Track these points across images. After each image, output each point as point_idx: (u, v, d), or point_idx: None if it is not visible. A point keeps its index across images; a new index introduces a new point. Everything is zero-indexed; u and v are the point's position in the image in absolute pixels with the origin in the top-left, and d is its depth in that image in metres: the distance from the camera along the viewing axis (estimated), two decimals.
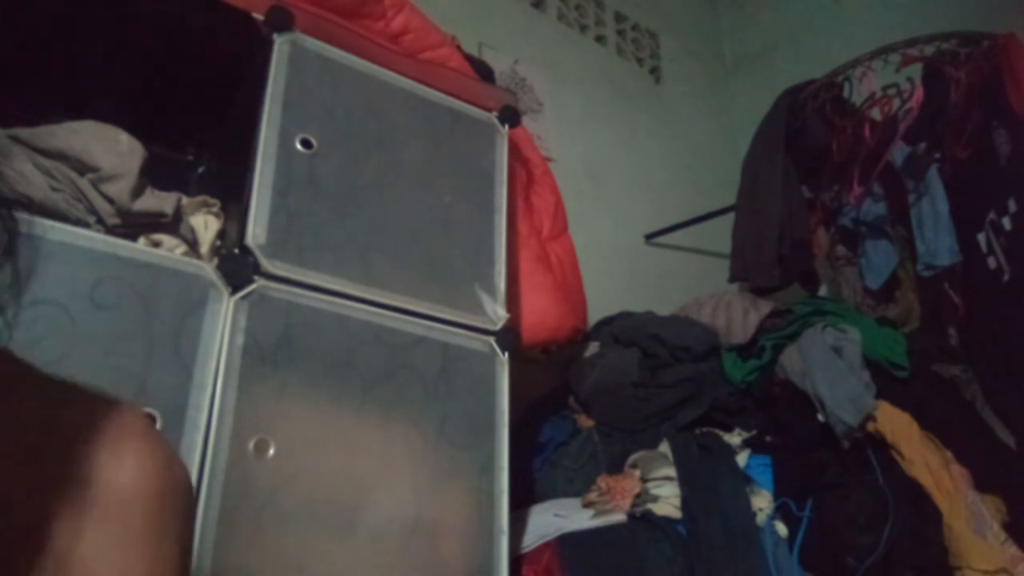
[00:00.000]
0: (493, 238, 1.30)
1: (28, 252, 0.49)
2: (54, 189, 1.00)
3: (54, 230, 0.90)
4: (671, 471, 1.49)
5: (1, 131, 1.03)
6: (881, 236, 2.07)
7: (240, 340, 0.97)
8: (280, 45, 1.15)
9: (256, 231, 1.03)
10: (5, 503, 0.41)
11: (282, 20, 1.15)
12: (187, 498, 0.51)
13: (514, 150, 1.47)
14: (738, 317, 1.75)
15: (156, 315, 0.92)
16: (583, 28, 2.75)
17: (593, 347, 1.85)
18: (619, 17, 2.92)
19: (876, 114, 1.99)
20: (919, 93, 1.80)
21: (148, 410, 0.88)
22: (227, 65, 1.20)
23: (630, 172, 2.70)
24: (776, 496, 1.49)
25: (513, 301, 1.35)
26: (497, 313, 1.24)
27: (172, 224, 1.08)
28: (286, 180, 1.09)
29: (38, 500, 0.42)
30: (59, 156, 1.01)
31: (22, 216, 0.52)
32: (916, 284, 2.05)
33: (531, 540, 1.39)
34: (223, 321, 0.97)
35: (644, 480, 1.50)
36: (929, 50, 1.93)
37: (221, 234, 1.16)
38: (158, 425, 0.88)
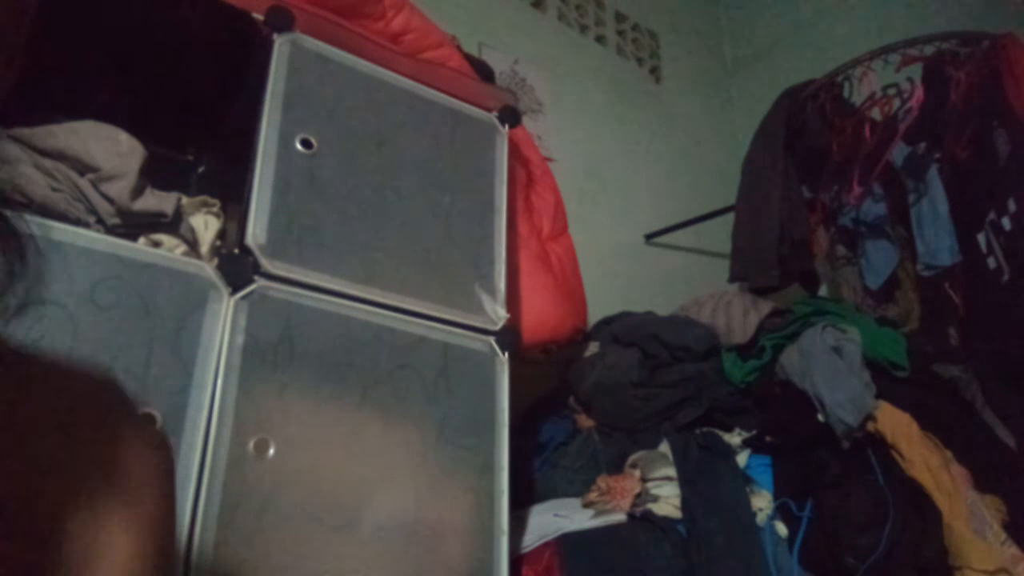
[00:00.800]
0: (493, 238, 1.30)
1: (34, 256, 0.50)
2: (54, 189, 1.00)
3: (54, 230, 0.90)
4: (671, 471, 1.49)
5: (1, 131, 1.03)
6: (881, 236, 2.07)
7: (240, 340, 0.97)
8: (280, 45, 1.15)
9: (256, 231, 1.03)
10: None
11: (282, 20, 1.15)
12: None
13: (514, 150, 1.47)
14: (738, 317, 1.75)
15: (156, 315, 0.92)
16: (583, 28, 2.75)
17: (593, 347, 1.85)
18: (619, 17, 2.92)
19: (876, 114, 1.99)
20: (919, 93, 1.80)
21: (148, 410, 0.88)
22: (227, 65, 1.20)
23: (630, 172, 2.70)
24: (776, 496, 1.49)
25: (513, 301, 1.35)
26: (497, 313, 1.24)
27: (172, 224, 1.08)
28: (286, 180, 1.09)
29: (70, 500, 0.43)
30: (59, 156, 1.01)
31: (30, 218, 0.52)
32: (916, 284, 2.05)
33: (531, 540, 1.39)
34: (223, 321, 0.97)
35: (644, 480, 1.50)
36: (929, 50, 1.93)
37: (221, 234, 1.16)
38: (158, 425, 0.88)
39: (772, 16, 3.17)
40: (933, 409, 1.53)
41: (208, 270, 0.98)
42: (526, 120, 1.81)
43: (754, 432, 1.61)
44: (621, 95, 2.79)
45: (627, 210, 2.63)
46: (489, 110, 1.39)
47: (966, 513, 1.39)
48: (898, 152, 1.98)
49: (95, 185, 1.01)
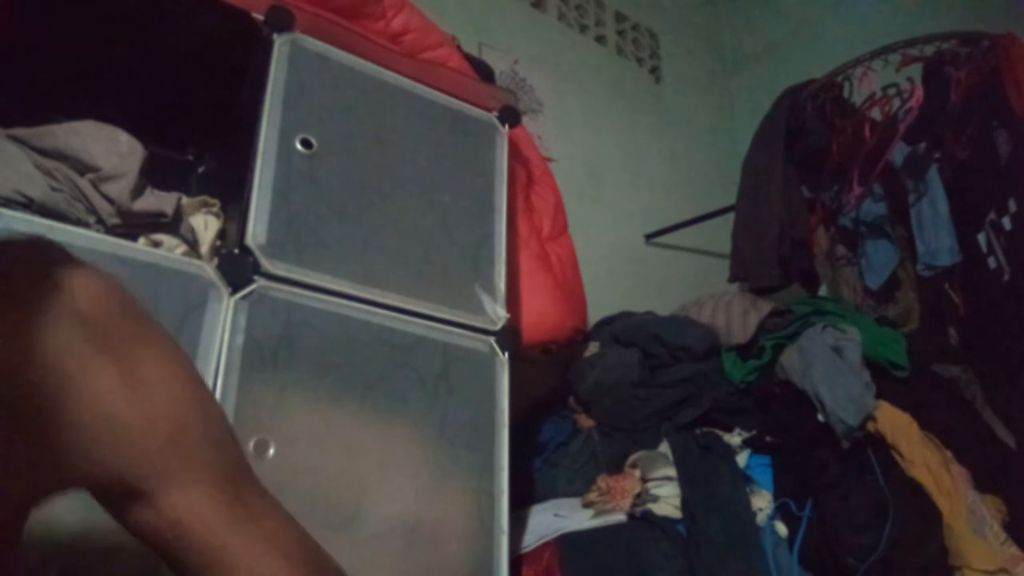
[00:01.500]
0: (493, 238, 1.30)
1: None
2: (54, 189, 1.00)
3: (54, 230, 0.90)
4: (671, 471, 1.49)
5: (1, 131, 1.03)
6: (881, 236, 2.07)
7: (240, 340, 0.97)
8: (280, 45, 1.14)
9: (256, 231, 1.03)
10: None
11: (282, 20, 1.15)
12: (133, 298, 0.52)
13: (514, 150, 1.47)
14: (738, 317, 1.75)
15: (156, 315, 0.92)
16: (583, 28, 2.75)
17: (593, 347, 1.85)
18: (619, 17, 2.92)
19: (876, 114, 1.99)
20: (919, 93, 1.80)
21: None
22: (227, 65, 1.20)
23: (630, 172, 2.70)
24: (776, 496, 1.49)
25: (513, 301, 1.35)
26: (497, 313, 1.24)
27: (172, 224, 1.08)
28: (286, 180, 1.09)
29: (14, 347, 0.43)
30: (59, 156, 1.01)
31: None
32: (916, 284, 2.05)
33: (531, 540, 1.40)
34: (223, 321, 0.97)
35: (644, 480, 1.50)
36: (929, 50, 1.93)
37: (221, 234, 1.16)
38: None
39: (772, 16, 3.17)
40: (933, 409, 1.53)
41: (208, 270, 0.98)
42: (526, 120, 1.81)
43: (754, 432, 1.60)
44: (621, 95, 2.79)
45: (627, 210, 2.63)
46: (489, 110, 1.39)
47: (966, 513, 1.39)
48: (898, 152, 1.98)
49: (95, 185, 1.01)
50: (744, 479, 1.51)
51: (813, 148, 2.08)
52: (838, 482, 1.44)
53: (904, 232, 2.04)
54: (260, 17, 1.14)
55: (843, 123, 2.05)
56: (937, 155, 1.96)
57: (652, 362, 1.73)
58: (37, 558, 0.65)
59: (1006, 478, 1.51)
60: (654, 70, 2.99)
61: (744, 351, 1.72)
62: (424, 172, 1.26)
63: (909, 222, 1.99)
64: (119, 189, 1.01)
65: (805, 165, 2.11)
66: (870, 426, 1.46)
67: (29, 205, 0.97)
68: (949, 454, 1.48)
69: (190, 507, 0.48)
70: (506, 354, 1.23)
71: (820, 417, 1.47)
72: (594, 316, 1.84)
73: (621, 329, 1.82)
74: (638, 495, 1.46)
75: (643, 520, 1.41)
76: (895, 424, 1.45)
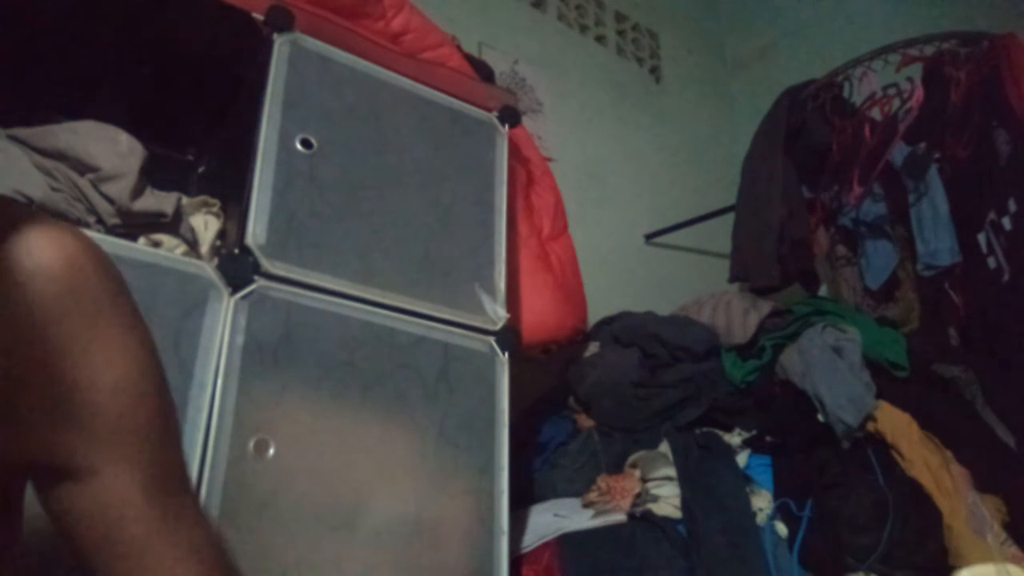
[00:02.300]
0: (493, 238, 1.30)
1: None
2: (54, 189, 1.00)
3: None
4: (671, 471, 1.49)
5: (1, 131, 1.03)
6: (881, 236, 2.07)
7: (240, 340, 0.97)
8: (280, 45, 1.14)
9: (256, 231, 1.03)
10: None
11: (282, 20, 1.15)
12: (108, 263, 0.50)
13: (514, 150, 1.47)
14: (738, 317, 1.75)
15: (156, 315, 0.92)
16: (583, 28, 2.75)
17: (593, 347, 1.85)
18: (619, 17, 2.92)
19: (876, 114, 1.99)
20: (919, 93, 1.80)
21: None
22: (227, 65, 1.20)
23: (630, 172, 2.70)
24: (776, 496, 1.49)
25: (513, 301, 1.35)
26: (497, 313, 1.24)
27: (172, 224, 1.08)
28: (286, 180, 1.09)
29: None
30: (59, 156, 1.01)
31: None
32: (916, 284, 2.05)
33: (531, 540, 1.39)
34: (223, 321, 0.97)
35: (644, 480, 1.50)
36: (929, 50, 1.93)
37: (221, 234, 1.16)
38: None
39: (772, 16, 3.17)
40: (933, 409, 1.53)
41: (208, 270, 0.98)
42: (526, 120, 1.81)
43: (754, 432, 1.60)
44: (621, 95, 2.79)
45: (627, 210, 2.63)
46: (489, 110, 1.39)
47: (966, 513, 1.38)
48: (898, 152, 1.98)
49: (95, 185, 1.01)
50: (744, 479, 1.51)
51: (813, 148, 2.08)
52: (838, 482, 1.44)
53: (904, 232, 2.04)
54: (260, 17, 1.14)
55: (843, 123, 2.05)
56: (937, 155, 1.96)
57: (652, 362, 1.73)
58: (38, 560, 0.65)
59: (1006, 478, 1.50)
60: (654, 70, 2.99)
61: (744, 351, 1.72)
62: (424, 172, 1.26)
63: (909, 222, 1.98)
64: (119, 189, 1.01)
65: (805, 165, 2.11)
66: (870, 426, 1.46)
67: (29, 205, 0.97)
68: (949, 454, 1.48)
69: (124, 496, 0.47)
70: (506, 354, 1.23)
71: (820, 417, 1.47)
72: (594, 316, 1.84)
73: (621, 329, 1.82)
74: (638, 495, 1.46)
75: (643, 520, 1.41)
76: (895, 424, 1.45)
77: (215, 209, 1.17)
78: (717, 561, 1.34)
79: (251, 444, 0.94)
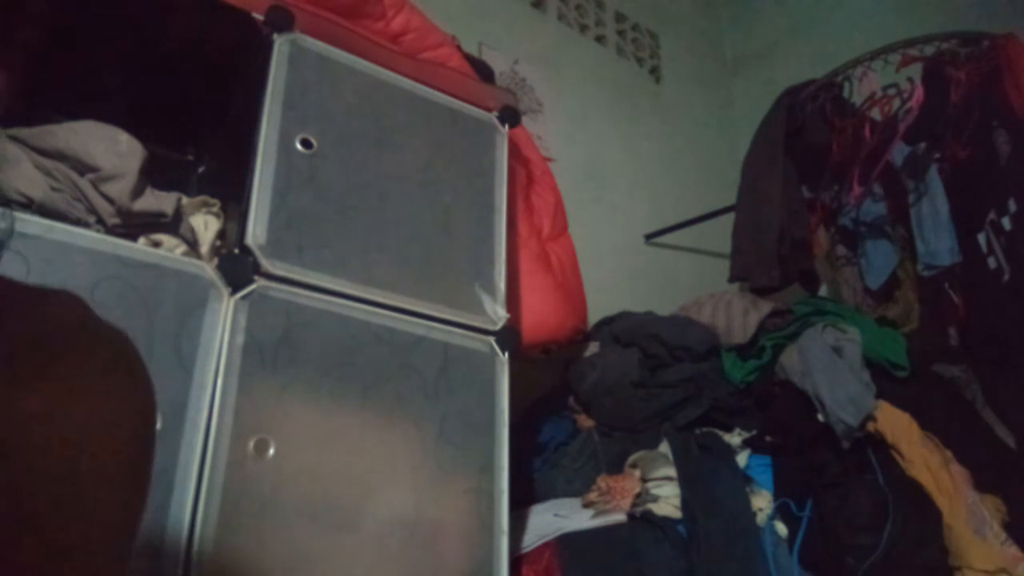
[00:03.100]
0: (493, 238, 1.30)
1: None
2: (54, 189, 1.00)
3: (54, 230, 0.90)
4: (671, 471, 1.49)
5: (1, 131, 1.03)
6: (881, 236, 2.07)
7: (240, 340, 0.97)
8: (280, 45, 1.14)
9: (256, 231, 1.03)
10: None
11: (282, 20, 1.15)
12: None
13: (514, 150, 1.47)
14: (738, 317, 1.75)
15: (156, 315, 0.92)
16: (583, 28, 2.75)
17: (593, 347, 1.85)
18: (619, 17, 2.92)
19: (876, 114, 1.99)
20: (919, 93, 1.80)
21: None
22: (227, 65, 1.20)
23: (630, 172, 2.70)
24: (776, 496, 1.49)
25: (513, 301, 1.35)
26: (497, 313, 1.24)
27: (172, 224, 1.08)
28: (286, 180, 1.09)
29: None
30: (59, 156, 1.01)
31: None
32: (916, 284, 2.05)
33: (531, 540, 1.39)
34: (223, 321, 0.97)
35: (644, 480, 1.50)
36: (929, 50, 1.93)
37: (221, 234, 1.16)
38: (159, 425, 0.88)
39: (772, 16, 3.17)
40: (933, 409, 1.53)
41: (208, 270, 0.98)
42: (526, 120, 1.81)
43: (754, 432, 1.60)
44: (621, 95, 2.79)
45: (627, 210, 2.63)
46: (489, 110, 1.39)
47: (966, 513, 1.39)
48: (898, 152, 1.98)
49: (95, 185, 1.01)
50: (744, 479, 1.51)
51: (813, 148, 2.08)
52: (838, 482, 1.44)
53: (904, 232, 2.04)
54: (260, 17, 1.14)
55: (843, 123, 2.05)
56: (937, 155, 1.96)
57: (652, 362, 1.73)
58: None
59: (1006, 478, 1.50)
60: (654, 70, 2.99)
61: (744, 351, 1.72)
62: (424, 172, 1.26)
63: (909, 222, 1.98)
64: (119, 189, 1.01)
65: (805, 165, 2.11)
66: (870, 426, 1.46)
67: (29, 205, 0.97)
68: (949, 454, 1.48)
69: None
70: (506, 354, 1.23)
71: (820, 417, 1.47)
72: (594, 316, 1.84)
73: (621, 329, 1.82)
74: (638, 495, 1.46)
75: (643, 520, 1.41)
76: (895, 424, 1.45)
77: (215, 209, 1.17)
78: (717, 561, 1.34)
79: (251, 444, 0.94)
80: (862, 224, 2.10)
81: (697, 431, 1.62)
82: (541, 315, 1.44)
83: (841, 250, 2.21)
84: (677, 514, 1.43)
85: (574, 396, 1.79)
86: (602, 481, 1.52)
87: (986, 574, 1.33)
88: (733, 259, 2.11)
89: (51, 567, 0.40)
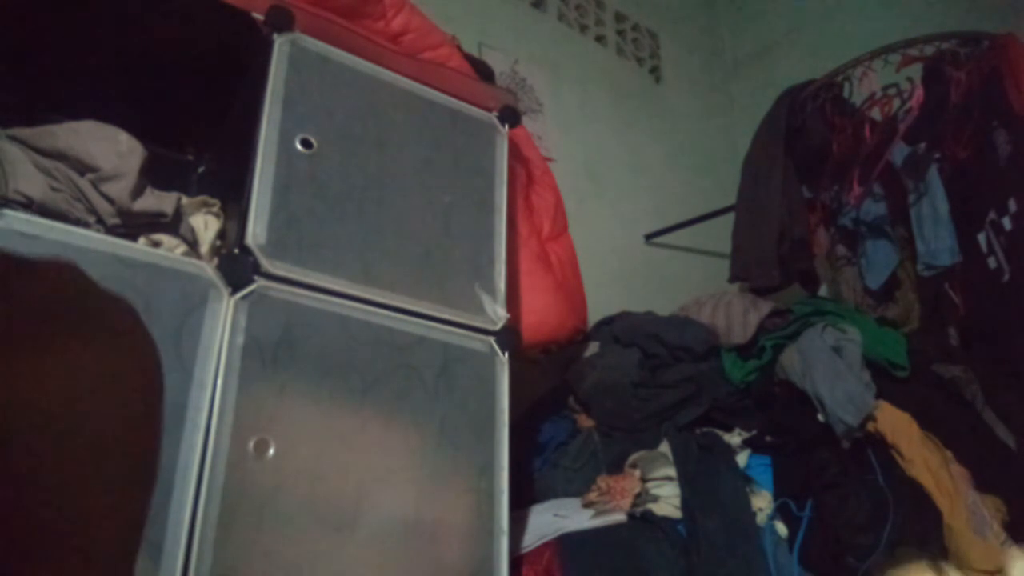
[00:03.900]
0: (493, 238, 1.30)
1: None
2: (54, 189, 1.00)
3: (54, 230, 0.90)
4: (671, 471, 1.49)
5: (1, 131, 1.03)
6: (881, 236, 2.07)
7: (240, 340, 0.97)
8: (280, 45, 1.14)
9: (256, 231, 1.03)
10: None
11: (282, 20, 1.15)
12: None
13: (514, 150, 1.47)
14: (738, 317, 1.75)
15: (156, 315, 0.92)
16: (583, 28, 2.75)
17: (593, 347, 1.85)
18: (619, 17, 2.92)
19: (876, 114, 1.99)
20: (919, 93, 1.80)
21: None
22: (227, 65, 1.20)
23: (630, 172, 2.70)
24: (776, 496, 1.49)
25: (513, 301, 1.35)
26: (497, 313, 1.24)
27: (172, 224, 1.08)
28: (286, 180, 1.09)
29: None
30: (59, 156, 1.01)
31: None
32: (916, 284, 2.05)
33: (531, 540, 1.39)
34: (223, 321, 0.97)
35: (644, 480, 1.50)
36: (929, 50, 1.93)
37: (221, 234, 1.16)
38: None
39: (772, 16, 3.17)
40: (933, 409, 1.53)
41: (208, 270, 0.98)
42: (526, 120, 1.81)
43: (754, 432, 1.60)
44: (621, 95, 2.79)
45: (627, 210, 2.63)
46: (489, 110, 1.39)
47: (966, 513, 1.39)
48: (898, 152, 1.98)
49: (95, 185, 1.01)
50: (744, 479, 1.51)
51: (813, 148, 2.08)
52: (838, 482, 1.44)
53: (904, 232, 2.04)
54: (260, 17, 1.14)
55: (843, 123, 2.05)
56: (937, 155, 1.96)
57: (652, 362, 1.73)
58: None
59: (1006, 478, 1.50)
60: (654, 70, 2.99)
61: (744, 351, 1.72)
62: (424, 172, 1.26)
63: (909, 222, 1.99)
64: (119, 189, 1.01)
65: (805, 165, 2.11)
66: (870, 426, 1.46)
67: (29, 205, 0.97)
68: (949, 454, 1.48)
69: None
70: (506, 354, 1.23)
71: (820, 417, 1.47)
72: (594, 316, 1.84)
73: (621, 329, 1.82)
74: (638, 495, 1.46)
75: (643, 520, 1.41)
76: (895, 424, 1.45)
77: (215, 209, 1.17)
78: (717, 561, 1.34)
79: (251, 444, 0.94)
80: (862, 224, 2.10)
81: (697, 431, 1.62)
82: (541, 315, 1.44)
83: (841, 250, 2.21)
84: (677, 514, 1.43)
85: (574, 396, 1.79)
86: (602, 481, 1.52)
87: (986, 574, 1.33)
88: (733, 259, 2.11)
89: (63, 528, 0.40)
